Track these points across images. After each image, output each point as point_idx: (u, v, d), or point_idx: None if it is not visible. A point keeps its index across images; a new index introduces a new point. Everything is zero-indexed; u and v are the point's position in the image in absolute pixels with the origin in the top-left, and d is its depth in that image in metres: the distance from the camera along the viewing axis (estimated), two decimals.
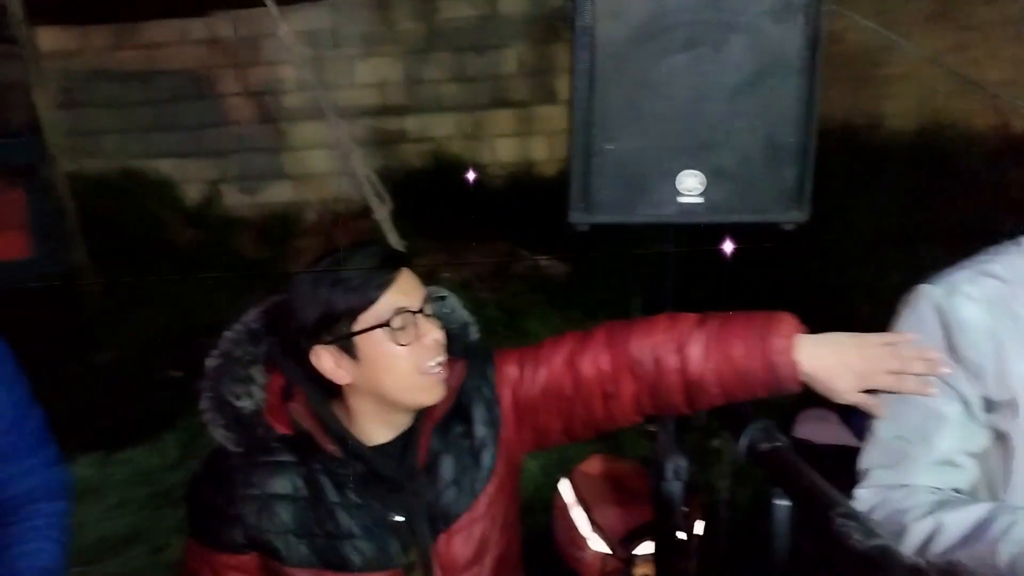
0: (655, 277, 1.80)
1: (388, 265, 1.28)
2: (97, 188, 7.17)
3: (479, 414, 1.39)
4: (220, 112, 7.48)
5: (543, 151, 7.23)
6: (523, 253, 6.03)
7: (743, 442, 1.28)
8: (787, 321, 1.31)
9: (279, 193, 7.50)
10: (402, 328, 1.26)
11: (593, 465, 2.76)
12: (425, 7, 7.15)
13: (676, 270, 1.74)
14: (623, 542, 2.40)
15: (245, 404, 1.30)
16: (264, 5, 4.40)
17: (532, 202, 6.37)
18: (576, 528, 2.55)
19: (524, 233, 5.97)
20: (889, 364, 1.27)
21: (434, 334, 1.30)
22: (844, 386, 1.27)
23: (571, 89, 1.55)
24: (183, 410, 4.48)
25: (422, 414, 1.36)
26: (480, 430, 1.39)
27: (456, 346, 1.42)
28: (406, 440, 1.37)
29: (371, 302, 1.26)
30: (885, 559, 1.01)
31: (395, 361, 1.27)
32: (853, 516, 1.08)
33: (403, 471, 1.35)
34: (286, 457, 1.32)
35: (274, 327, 1.36)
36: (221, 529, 1.32)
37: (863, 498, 1.43)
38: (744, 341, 1.29)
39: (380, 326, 1.25)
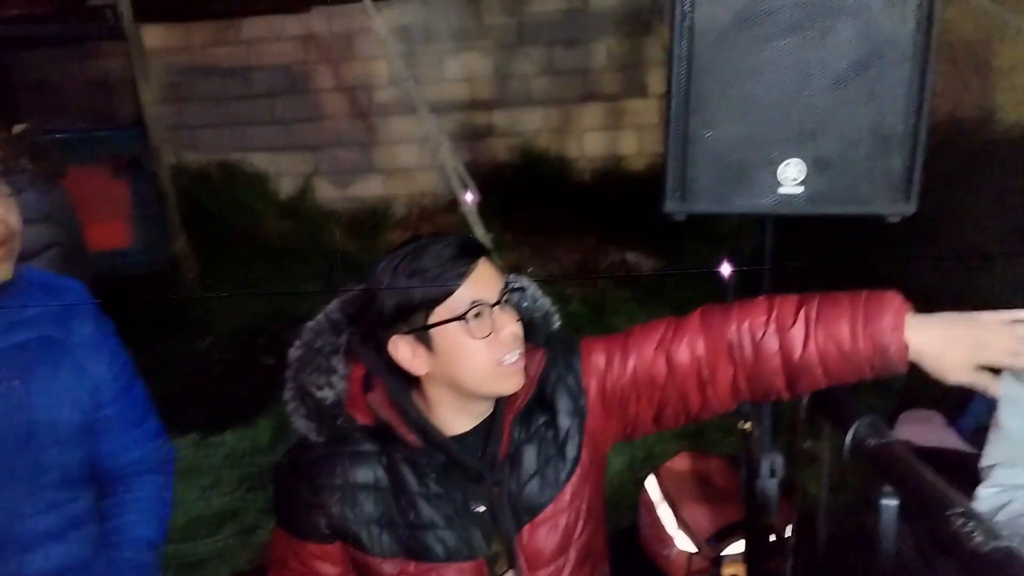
0: (750, 271, 1.75)
1: (466, 256, 1.26)
2: (196, 180, 7.43)
3: (563, 404, 1.37)
4: (314, 107, 7.64)
5: (632, 145, 7.16)
6: (610, 248, 5.99)
7: (849, 438, 1.22)
8: (894, 299, 1.24)
9: (370, 187, 7.62)
10: (478, 321, 1.25)
11: (680, 462, 2.72)
12: (515, 2, 7.16)
13: (773, 263, 1.69)
14: (710, 541, 2.35)
15: (326, 394, 1.30)
16: (359, 1, 4.47)
17: (620, 196, 6.32)
18: (662, 526, 2.51)
19: (612, 228, 5.92)
20: (1004, 341, 1.19)
21: (511, 327, 1.28)
22: (955, 362, 1.19)
23: (668, 76, 1.52)
24: (274, 396, 4.60)
25: (502, 404, 1.35)
26: (564, 420, 1.37)
27: (537, 335, 1.39)
28: (486, 430, 1.35)
29: (447, 294, 1.24)
30: (1010, 562, 0.95)
31: (471, 354, 1.26)
32: (973, 517, 1.01)
33: (484, 461, 1.34)
34: (367, 447, 1.32)
35: (355, 317, 1.36)
36: (306, 518, 1.33)
37: (986, 498, 1.36)
38: (850, 321, 1.23)
39: (456, 319, 1.24)
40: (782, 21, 1.49)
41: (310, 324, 1.36)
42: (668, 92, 1.53)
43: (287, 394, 1.32)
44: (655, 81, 7.04)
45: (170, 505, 1.50)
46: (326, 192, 7.65)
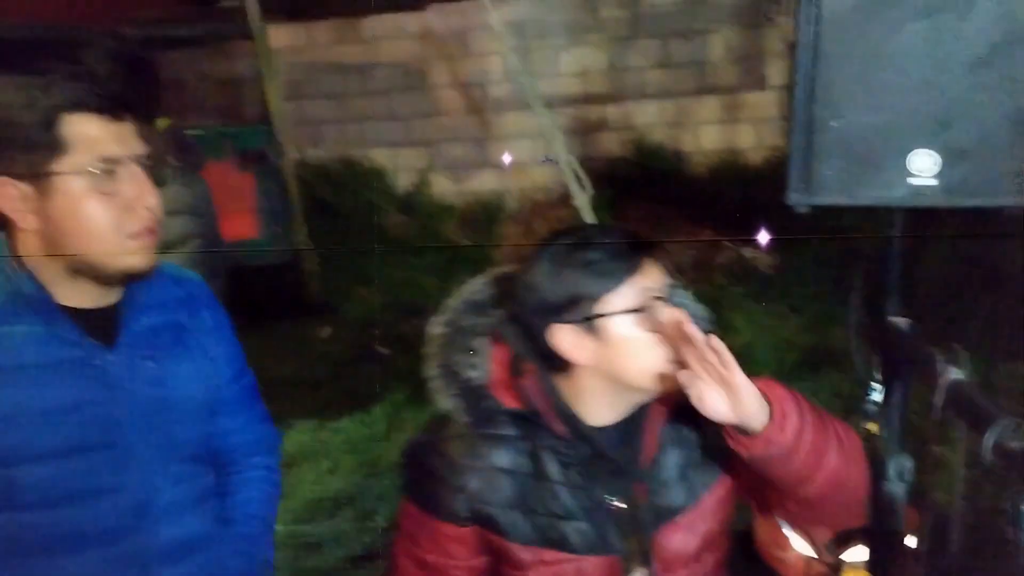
0: (875, 268, 1.68)
1: (636, 249, 1.26)
2: (318, 175, 7.69)
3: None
4: (430, 103, 7.78)
5: (750, 139, 6.99)
6: (727, 244, 5.86)
7: (989, 440, 1.16)
8: None
9: (484, 181, 7.70)
10: (648, 315, 1.23)
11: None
12: None
13: (901, 260, 1.62)
14: (829, 545, 2.28)
15: (474, 375, 1.30)
16: None
17: (737, 191, 6.18)
18: (778, 527, 2.45)
19: (728, 223, 5.80)
20: None
21: (680, 317, 1.24)
22: None
23: (793, 64, 1.47)
24: (390, 385, 4.72)
25: (650, 401, 1.32)
26: (715, 429, 1.30)
27: None
28: (630, 424, 1.33)
29: (619, 284, 1.23)
30: None
31: (640, 347, 1.24)
32: None
33: (627, 456, 1.32)
34: (510, 431, 1.31)
35: (501, 300, 1.35)
36: (445, 499, 1.32)
37: None
38: None
39: (629, 311, 1.23)
40: (916, 4, 1.42)
41: (451, 303, 1.37)
42: (792, 80, 1.49)
43: (431, 371, 1.33)
44: (774, 73, 6.84)
45: (279, 486, 1.54)
46: (441, 186, 7.78)
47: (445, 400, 1.32)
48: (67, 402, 1.20)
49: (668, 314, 1.24)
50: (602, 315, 1.23)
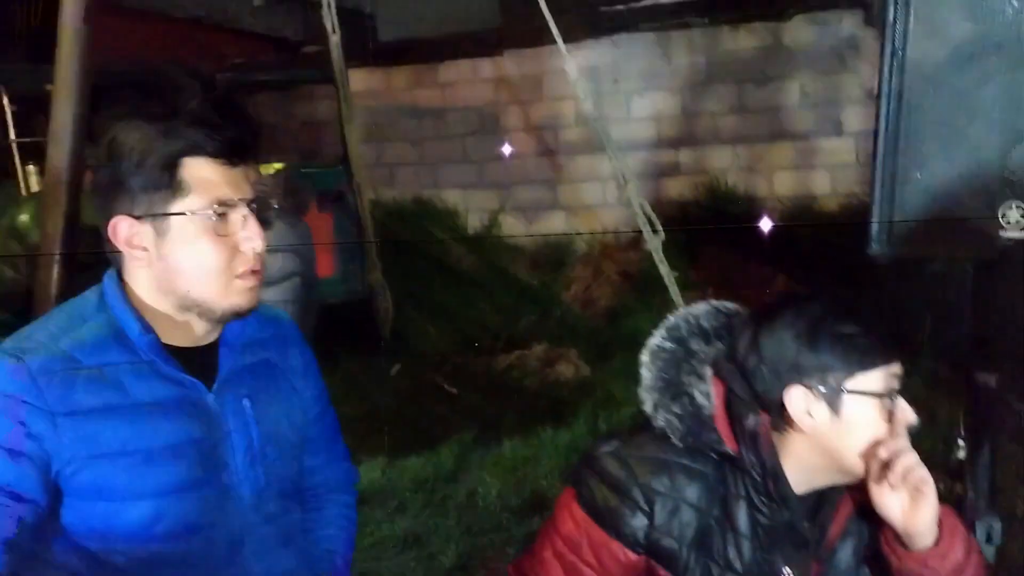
0: (958, 320, 1.65)
1: (892, 341, 1.22)
2: (392, 215, 7.84)
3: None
4: (504, 145, 7.89)
5: (825, 185, 6.90)
6: (800, 289, 5.76)
7: None
8: None
9: (554, 223, 7.75)
10: (887, 403, 1.20)
11: None
12: (705, 40, 7.12)
13: (987, 313, 1.58)
14: None
15: (705, 404, 1.25)
16: (548, 44, 4.59)
17: (812, 237, 6.09)
18: None
19: (803, 269, 5.71)
20: None
21: (910, 417, 1.21)
22: None
23: (877, 114, 1.47)
24: (458, 425, 4.74)
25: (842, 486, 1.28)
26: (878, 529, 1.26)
27: None
28: (823, 503, 1.28)
29: (874, 367, 1.19)
30: None
31: (867, 431, 1.20)
32: None
33: (813, 529, 1.27)
34: (708, 469, 1.26)
35: (724, 334, 1.30)
36: (625, 518, 1.26)
37: None
38: None
39: (879, 395, 1.19)
40: (1003, 55, 1.41)
41: (677, 322, 1.32)
42: (875, 130, 1.48)
43: (652, 383, 1.28)
44: (851, 119, 6.76)
45: (355, 522, 1.54)
46: (512, 227, 7.86)
47: (663, 416, 1.26)
48: (170, 440, 1.22)
49: (902, 408, 1.21)
50: (850, 391, 1.19)
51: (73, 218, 1.96)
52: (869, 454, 1.19)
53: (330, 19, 5.66)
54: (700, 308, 1.34)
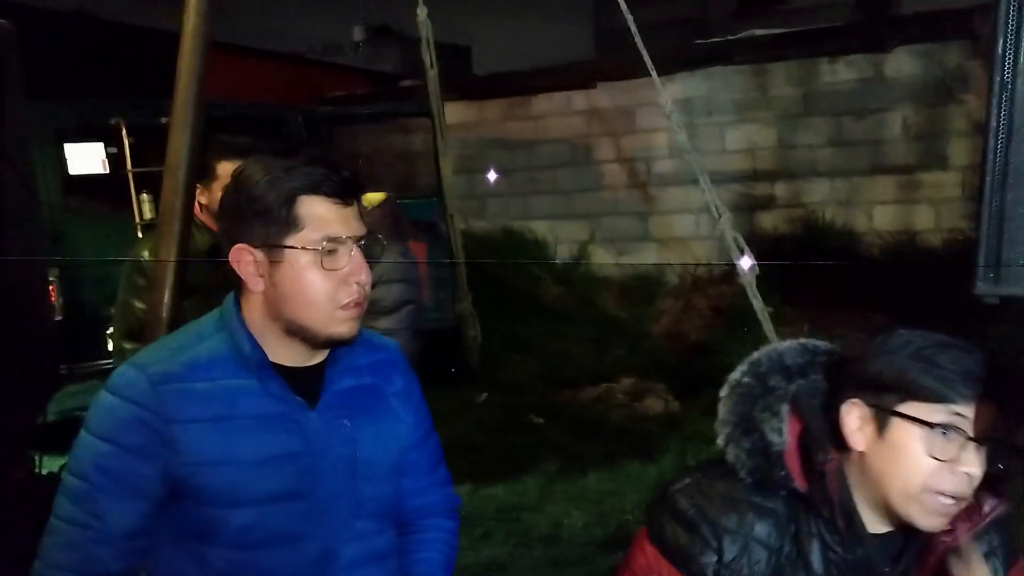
0: None
1: (977, 379, 1.14)
2: (482, 245, 7.94)
3: (991, 567, 1.22)
4: (595, 177, 7.92)
5: (928, 219, 6.67)
6: (900, 327, 5.57)
7: None
8: None
9: (644, 255, 7.72)
10: (944, 442, 1.14)
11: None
12: (803, 73, 7.02)
13: None
14: None
15: (775, 440, 1.23)
16: (642, 76, 4.61)
17: (914, 273, 5.90)
18: None
19: (904, 306, 5.52)
20: None
21: (973, 468, 1.15)
22: None
23: (983, 149, 1.43)
24: (543, 456, 4.73)
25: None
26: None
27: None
28: (903, 539, 1.23)
29: (938, 399, 1.14)
30: None
31: (914, 465, 1.16)
32: None
33: (895, 573, 1.22)
34: (779, 507, 1.24)
35: (804, 369, 1.28)
36: (695, 555, 1.25)
37: None
38: None
39: (930, 424, 1.14)
40: None
41: (757, 357, 1.30)
42: (982, 166, 1.44)
43: (727, 416, 1.28)
44: (956, 152, 6.54)
45: (456, 548, 1.58)
46: (601, 259, 7.86)
47: (732, 451, 1.25)
48: (271, 453, 1.30)
49: (968, 455, 1.14)
50: (901, 415, 1.16)
51: (184, 245, 2.06)
52: (923, 495, 1.14)
53: (428, 55, 5.81)
54: (786, 345, 1.32)
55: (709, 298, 6.93)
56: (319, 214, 1.29)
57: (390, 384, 1.46)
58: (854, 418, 1.19)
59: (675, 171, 7.36)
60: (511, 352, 6.50)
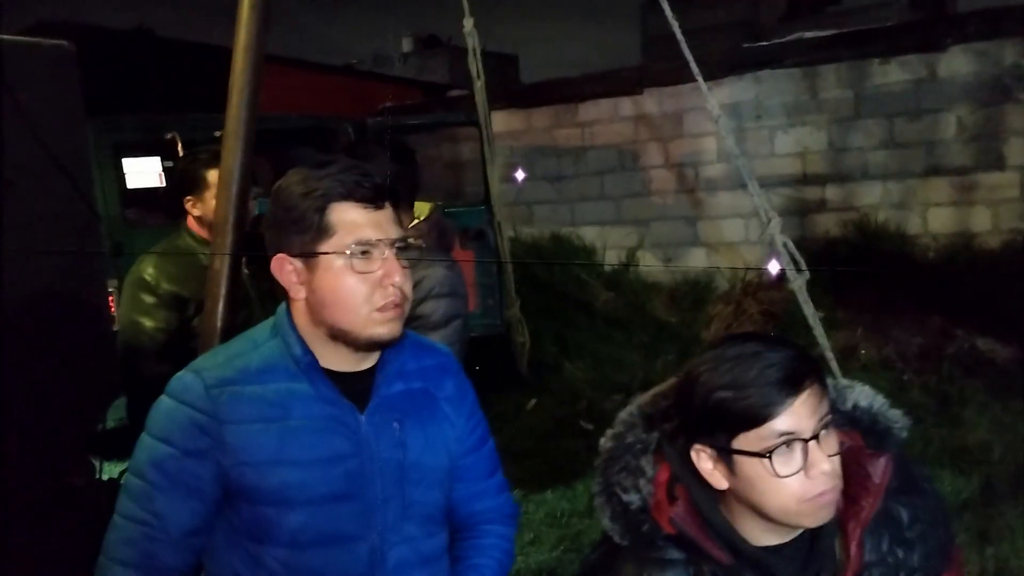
0: None
1: (792, 383, 1.13)
2: (530, 252, 7.96)
3: (918, 532, 1.22)
4: (643, 183, 7.90)
5: (985, 222, 6.51)
6: (958, 333, 5.44)
7: None
8: None
9: (693, 260, 7.67)
10: (785, 458, 1.14)
11: None
12: (854, 75, 6.91)
13: None
14: None
15: (632, 499, 1.24)
16: (689, 81, 4.59)
17: (971, 277, 5.77)
18: None
19: (960, 309, 5.40)
20: None
21: (823, 466, 1.14)
22: None
23: None
24: (593, 462, 4.73)
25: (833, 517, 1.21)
26: (923, 549, 1.22)
27: (876, 441, 1.25)
28: (807, 543, 1.22)
29: (757, 424, 1.13)
30: None
31: (774, 489, 1.15)
32: None
33: (811, 574, 1.21)
34: (675, 555, 1.23)
35: (667, 412, 1.27)
36: None
37: None
38: None
39: (759, 454, 1.13)
40: None
41: (622, 416, 1.31)
42: None
43: (595, 488, 1.29)
44: (1014, 152, 6.38)
45: (512, 557, 1.58)
46: (650, 264, 7.82)
47: (604, 520, 1.27)
48: (322, 455, 1.34)
49: (816, 453, 1.14)
50: (733, 451, 1.16)
51: (237, 257, 2.11)
52: (798, 506, 1.15)
53: (475, 65, 5.85)
54: (649, 396, 1.32)
55: (760, 303, 6.84)
56: (350, 219, 1.32)
57: (441, 389, 1.49)
58: (704, 462, 1.20)
59: (724, 175, 7.30)
60: (561, 358, 6.50)
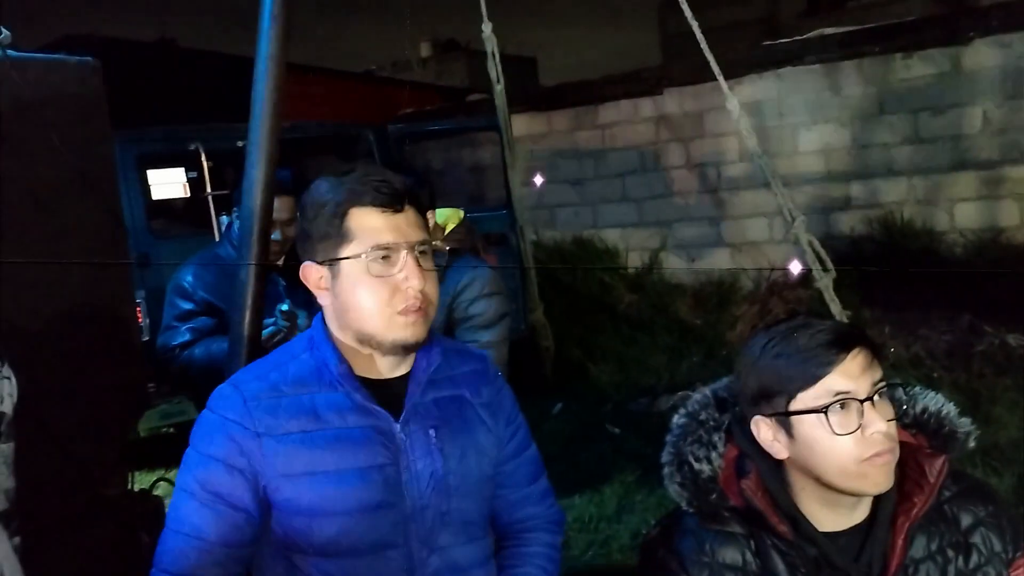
0: None
1: (840, 344, 1.21)
2: (552, 255, 7.95)
3: (979, 538, 1.26)
4: (664, 184, 7.87)
5: (1013, 216, 6.43)
6: (988, 330, 5.37)
7: None
8: None
9: (717, 260, 7.62)
10: (841, 415, 1.20)
11: None
12: (876, 70, 6.85)
13: None
14: None
15: (703, 468, 1.32)
16: (710, 80, 4.57)
17: (1000, 272, 5.69)
18: None
19: (990, 307, 5.32)
20: None
21: (880, 425, 1.20)
22: None
23: None
24: (621, 465, 4.71)
25: (887, 507, 1.26)
26: (980, 555, 1.26)
27: (936, 442, 1.30)
28: (864, 533, 1.28)
29: (811, 382, 1.21)
30: None
31: (830, 448, 1.21)
32: None
33: (860, 567, 1.25)
34: (736, 528, 1.30)
35: (737, 397, 1.35)
36: None
37: None
38: None
39: (816, 411, 1.20)
40: None
41: (696, 396, 1.40)
42: None
43: (665, 458, 1.36)
44: None
45: (559, 564, 1.56)
46: (674, 266, 7.79)
47: (672, 487, 1.34)
48: (357, 464, 1.34)
49: (870, 414, 1.19)
50: (791, 413, 1.22)
51: (263, 267, 2.12)
52: (856, 467, 1.20)
53: (494, 69, 5.85)
54: (725, 380, 1.40)
55: (786, 302, 6.79)
56: (368, 224, 1.33)
57: (478, 395, 1.48)
58: (764, 432, 1.27)
59: (747, 175, 7.26)
60: (585, 361, 6.49)
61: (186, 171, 6.56)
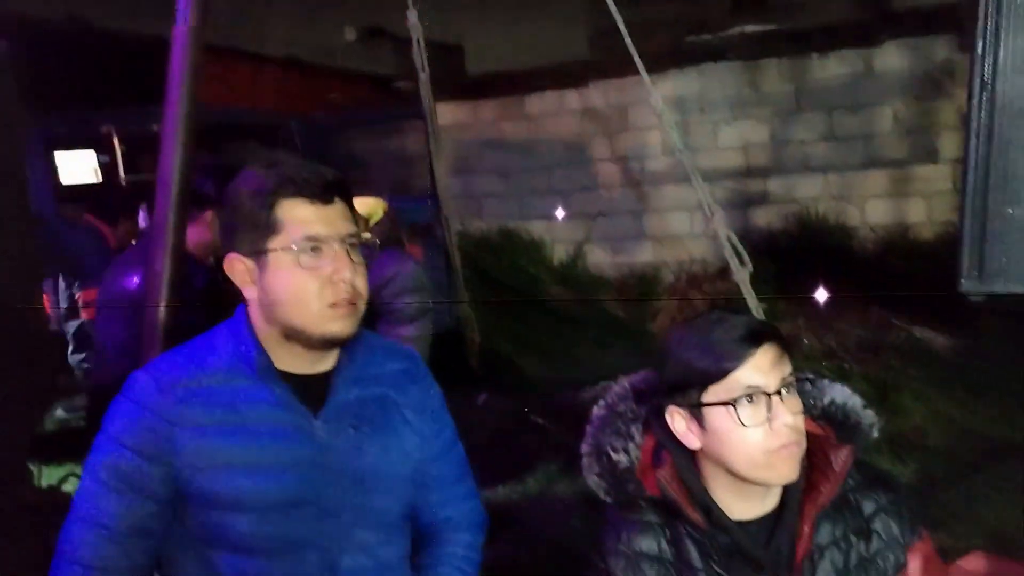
0: None
1: (752, 339, 1.25)
2: (479, 246, 7.94)
3: (880, 524, 1.32)
4: (589, 177, 7.92)
5: (920, 213, 6.69)
6: (896, 322, 5.58)
7: None
8: None
9: (640, 254, 7.73)
10: (750, 408, 1.24)
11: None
12: (794, 69, 7.03)
13: None
14: None
15: (621, 459, 1.35)
16: (634, 74, 4.62)
17: (907, 267, 5.92)
18: None
19: (898, 300, 5.53)
20: None
21: (786, 418, 1.24)
22: None
23: (965, 148, 1.44)
24: (543, 455, 4.75)
25: (795, 496, 1.31)
26: (882, 544, 1.31)
27: (842, 432, 1.36)
28: (773, 521, 1.32)
29: (723, 375, 1.25)
30: None
31: (740, 439, 1.25)
32: None
33: (769, 554, 1.30)
34: (652, 518, 1.34)
35: (654, 390, 1.39)
36: None
37: None
38: None
39: (726, 403, 1.25)
40: None
41: (615, 388, 1.43)
42: (964, 165, 1.46)
43: (584, 449, 1.39)
44: (947, 146, 6.56)
45: (478, 565, 1.54)
46: (598, 258, 7.86)
47: (590, 478, 1.37)
48: (275, 460, 1.32)
49: (778, 407, 1.24)
50: (703, 404, 1.27)
51: (179, 256, 2.07)
52: (764, 458, 1.25)
53: (419, 57, 5.80)
54: (641, 373, 1.44)
55: (705, 294, 6.94)
56: (298, 216, 1.31)
57: (403, 394, 1.46)
58: (679, 423, 1.31)
59: (669, 169, 7.37)
60: (510, 353, 6.50)
61: (97, 155, 6.32)
